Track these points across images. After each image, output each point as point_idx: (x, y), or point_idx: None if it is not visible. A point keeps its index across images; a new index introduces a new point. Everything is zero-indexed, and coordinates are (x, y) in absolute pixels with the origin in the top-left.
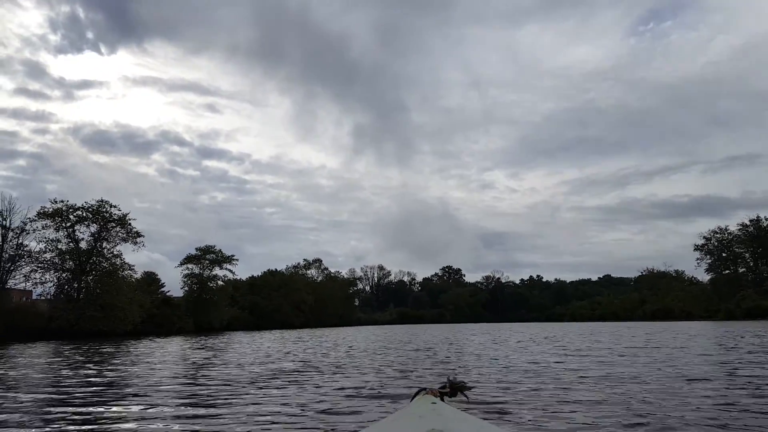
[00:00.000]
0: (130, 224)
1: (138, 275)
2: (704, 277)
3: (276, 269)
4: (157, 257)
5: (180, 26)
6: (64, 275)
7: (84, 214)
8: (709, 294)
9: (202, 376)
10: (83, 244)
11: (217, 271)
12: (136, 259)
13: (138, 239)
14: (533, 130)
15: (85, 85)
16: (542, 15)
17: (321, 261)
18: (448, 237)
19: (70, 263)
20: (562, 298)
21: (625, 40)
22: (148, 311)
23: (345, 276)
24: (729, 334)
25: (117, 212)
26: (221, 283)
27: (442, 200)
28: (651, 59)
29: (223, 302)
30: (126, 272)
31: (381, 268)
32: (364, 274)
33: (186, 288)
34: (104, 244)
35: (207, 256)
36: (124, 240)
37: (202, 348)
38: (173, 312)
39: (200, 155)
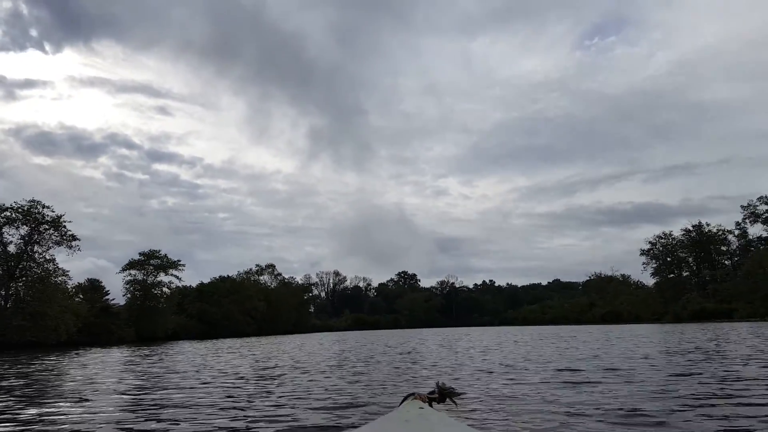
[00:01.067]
0: (64, 227)
1: (73, 281)
2: (649, 282)
3: (228, 275)
4: (102, 264)
5: (129, 23)
6: None
7: (13, 215)
8: (655, 297)
9: (21, 415)
10: (12, 248)
11: (162, 277)
12: (81, 266)
13: (73, 243)
14: (484, 138)
15: (28, 84)
16: (494, 27)
17: (274, 266)
18: (404, 242)
19: None
20: (514, 302)
21: (571, 54)
22: (85, 320)
23: (299, 282)
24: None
25: (50, 213)
26: (167, 290)
27: (399, 206)
28: (596, 72)
29: (169, 310)
30: (60, 278)
31: (337, 273)
32: (320, 280)
33: (128, 295)
34: (36, 248)
35: (151, 262)
36: (58, 244)
37: (100, 364)
38: (112, 321)
39: (150, 159)
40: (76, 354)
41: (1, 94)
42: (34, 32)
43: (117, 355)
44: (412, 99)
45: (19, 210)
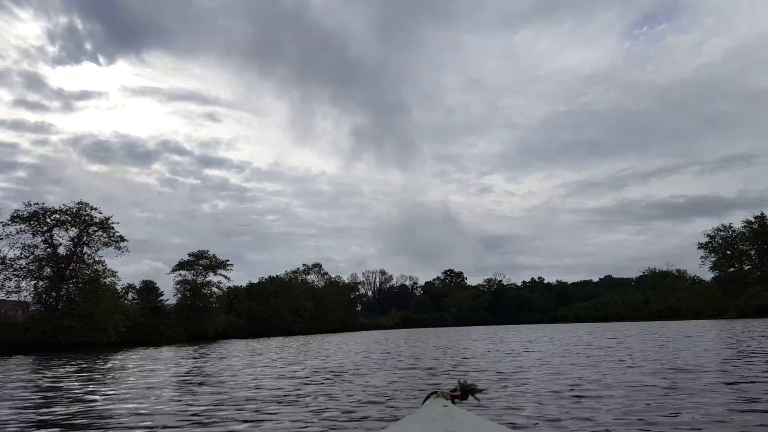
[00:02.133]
0: (112, 228)
1: (123, 282)
2: (707, 276)
3: (276, 275)
4: (158, 266)
5: (176, 32)
6: (41, 283)
7: (62, 218)
8: (714, 292)
9: None
10: (62, 250)
11: (211, 277)
12: (137, 268)
13: (121, 244)
14: (530, 133)
15: (85, 95)
16: (538, 20)
17: (321, 266)
18: (450, 240)
19: (48, 270)
20: (564, 300)
21: (620, 44)
22: (135, 320)
23: (346, 281)
24: None
25: (98, 215)
26: (216, 289)
27: (443, 204)
28: (646, 62)
29: (219, 310)
30: (108, 279)
31: (383, 272)
32: (366, 279)
33: (178, 295)
34: (85, 250)
35: (200, 262)
36: (106, 245)
37: (112, 370)
38: (162, 321)
39: (201, 164)
40: (99, 358)
41: (60, 106)
42: (88, 46)
43: (161, 354)
44: (455, 95)
45: (68, 212)
